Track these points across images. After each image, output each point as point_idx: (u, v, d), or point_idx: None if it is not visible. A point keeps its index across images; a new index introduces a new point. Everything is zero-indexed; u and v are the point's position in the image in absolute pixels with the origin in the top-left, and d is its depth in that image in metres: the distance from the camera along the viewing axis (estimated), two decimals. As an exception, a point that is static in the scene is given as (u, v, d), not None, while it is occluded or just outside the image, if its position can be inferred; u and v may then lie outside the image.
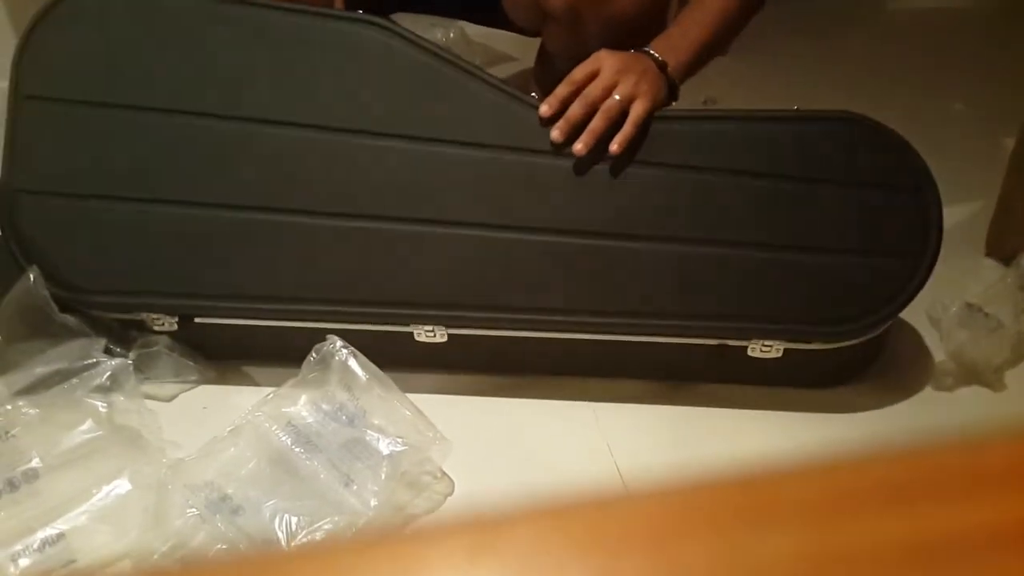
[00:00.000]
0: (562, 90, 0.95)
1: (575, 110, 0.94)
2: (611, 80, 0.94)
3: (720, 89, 1.55)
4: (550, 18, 1.15)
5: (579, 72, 0.96)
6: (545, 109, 0.95)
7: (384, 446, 0.88)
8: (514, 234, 0.97)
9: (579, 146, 0.94)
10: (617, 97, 0.94)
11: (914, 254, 0.95)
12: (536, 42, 1.37)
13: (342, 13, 1.01)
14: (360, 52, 1.00)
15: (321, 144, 0.98)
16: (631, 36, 1.04)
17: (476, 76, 0.98)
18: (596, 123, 0.94)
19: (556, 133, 0.94)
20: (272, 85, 0.99)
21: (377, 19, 0.99)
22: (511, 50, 1.62)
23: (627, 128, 0.94)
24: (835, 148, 0.97)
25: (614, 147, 0.93)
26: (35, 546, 0.81)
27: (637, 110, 0.94)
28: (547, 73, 1.34)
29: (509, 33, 1.35)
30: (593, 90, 0.94)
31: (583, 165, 0.96)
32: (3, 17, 1.44)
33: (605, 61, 0.96)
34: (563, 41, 1.18)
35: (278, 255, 0.98)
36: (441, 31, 1.60)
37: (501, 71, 1.62)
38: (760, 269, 0.96)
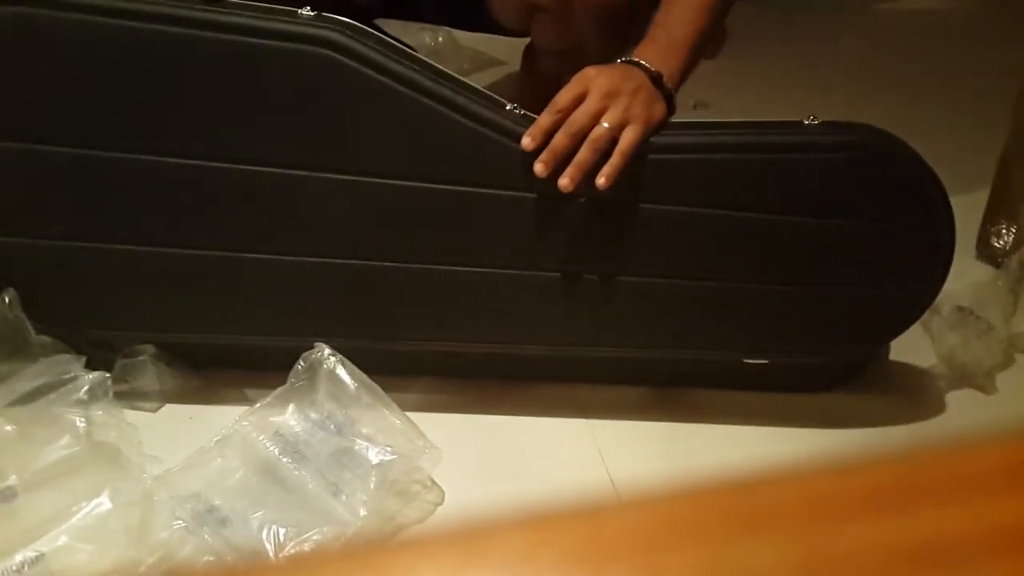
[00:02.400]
0: (545, 119, 0.87)
1: (560, 140, 0.86)
2: (599, 105, 0.86)
3: (710, 92, 1.55)
4: (539, 11, 1.13)
5: (563, 97, 0.87)
6: (527, 142, 0.86)
7: (373, 455, 0.87)
8: (502, 270, 0.93)
9: (565, 181, 0.85)
10: (606, 125, 0.86)
11: (922, 283, 0.92)
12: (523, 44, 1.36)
13: (293, 29, 0.87)
14: (314, 83, 0.88)
15: (269, 179, 0.90)
16: (623, 24, 0.99)
17: (448, 101, 0.88)
18: (583, 155, 0.85)
19: (540, 167, 0.86)
20: (217, 119, 0.89)
21: (331, 35, 0.87)
22: (500, 54, 1.62)
23: (615, 159, 0.85)
24: (847, 178, 0.89)
25: (601, 180, 0.85)
26: (14, 568, 0.78)
27: (628, 138, 0.86)
28: (534, 75, 1.34)
29: (498, 36, 1.35)
30: (579, 118, 0.86)
31: (571, 199, 0.88)
32: None
33: (592, 83, 0.87)
34: (553, 34, 1.17)
35: (253, 293, 0.96)
36: (429, 35, 1.60)
37: (489, 75, 1.62)
38: (761, 302, 0.93)
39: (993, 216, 1.20)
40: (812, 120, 0.90)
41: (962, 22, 1.89)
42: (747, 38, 1.76)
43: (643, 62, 0.90)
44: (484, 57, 1.64)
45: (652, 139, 0.88)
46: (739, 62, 1.71)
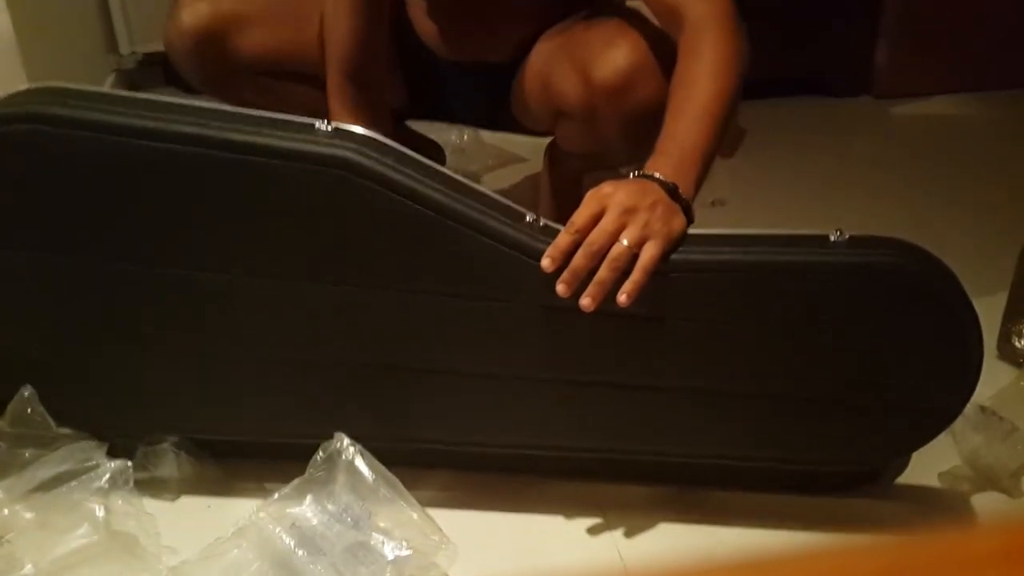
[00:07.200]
0: (563, 239, 0.86)
1: (580, 261, 0.85)
2: (617, 223, 0.85)
3: (728, 190, 1.58)
4: (564, 117, 1.15)
5: (581, 216, 0.86)
6: (547, 263, 0.86)
7: (389, 550, 0.86)
8: (519, 377, 0.93)
9: (586, 301, 0.84)
10: (625, 242, 0.84)
11: (951, 392, 0.91)
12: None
13: (308, 149, 0.87)
14: (330, 203, 0.88)
15: (284, 289, 0.92)
16: (648, 128, 0.98)
17: (463, 217, 0.88)
18: (603, 274, 0.85)
19: (562, 287, 0.85)
20: (232, 235, 0.90)
21: (347, 154, 0.87)
22: (522, 152, 1.66)
23: (636, 276, 0.84)
24: (875, 297, 0.88)
25: (622, 298, 0.84)
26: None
27: (649, 254, 0.85)
28: (556, 173, 1.37)
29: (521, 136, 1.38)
30: (598, 237, 0.85)
31: (591, 315, 0.86)
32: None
33: (609, 200, 0.86)
34: (578, 139, 1.18)
35: (272, 394, 0.98)
36: (456, 134, 1.64)
37: (512, 172, 1.66)
38: (790, 413, 0.92)
39: (1013, 316, 1.20)
40: (839, 235, 0.88)
41: (977, 125, 1.92)
42: (764, 136, 1.80)
43: (658, 175, 0.89)
44: (507, 154, 1.68)
45: (674, 257, 0.87)
46: (757, 160, 1.74)
